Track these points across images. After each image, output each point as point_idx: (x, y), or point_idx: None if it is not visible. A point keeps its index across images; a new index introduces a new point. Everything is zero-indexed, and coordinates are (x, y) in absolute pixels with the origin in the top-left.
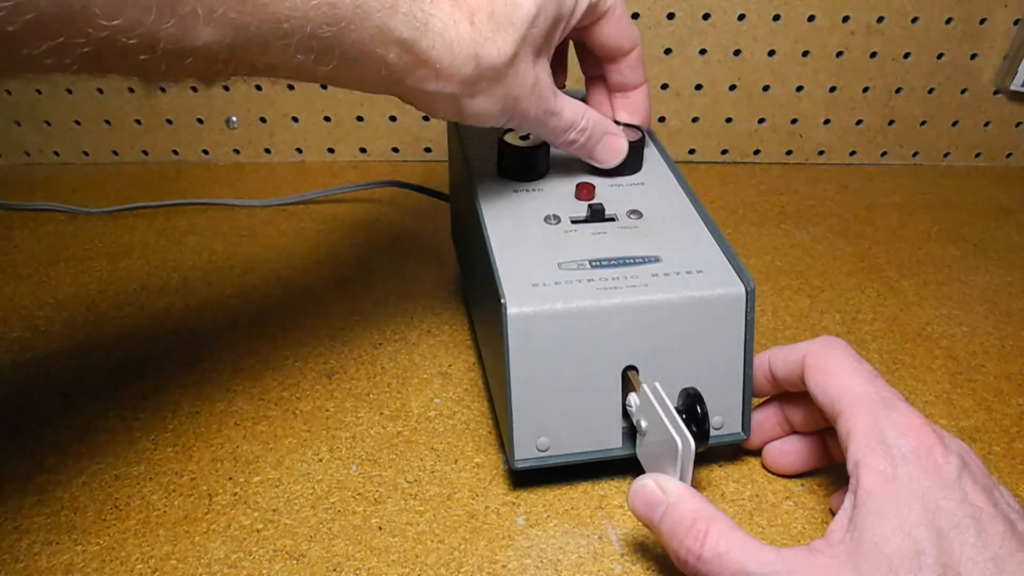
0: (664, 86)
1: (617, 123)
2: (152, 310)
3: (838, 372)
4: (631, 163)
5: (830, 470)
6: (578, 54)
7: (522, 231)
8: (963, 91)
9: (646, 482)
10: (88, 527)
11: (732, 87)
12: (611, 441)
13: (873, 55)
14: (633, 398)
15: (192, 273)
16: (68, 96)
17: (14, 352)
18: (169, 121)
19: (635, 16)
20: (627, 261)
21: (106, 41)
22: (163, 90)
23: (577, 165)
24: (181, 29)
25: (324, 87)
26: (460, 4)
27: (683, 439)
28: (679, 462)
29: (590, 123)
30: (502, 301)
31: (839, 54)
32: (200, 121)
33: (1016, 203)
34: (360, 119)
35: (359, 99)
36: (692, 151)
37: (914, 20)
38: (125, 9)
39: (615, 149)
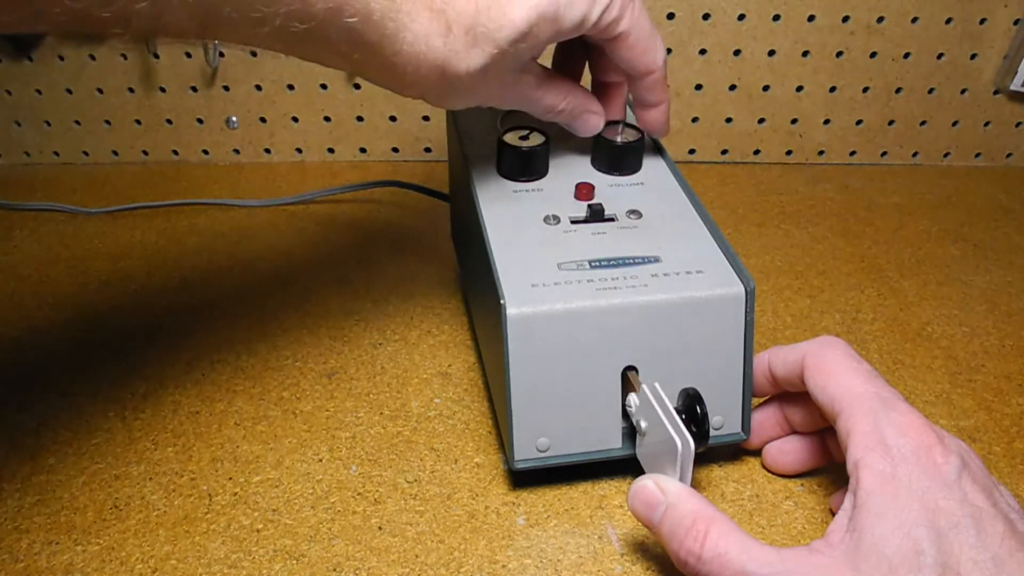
0: None
1: (623, 123)
2: (152, 310)
3: (838, 372)
4: (631, 163)
5: (830, 470)
6: (590, 61)
7: (522, 231)
8: (963, 91)
9: (646, 483)
10: (88, 527)
11: (732, 87)
12: (611, 441)
13: (873, 55)
14: (633, 398)
15: (192, 273)
16: (68, 96)
17: (14, 352)
18: (169, 121)
19: None
20: (627, 261)
21: (81, 12)
22: (163, 90)
23: (577, 165)
24: (153, 7)
25: (324, 87)
26: (439, 16)
27: (683, 439)
28: (679, 462)
29: (569, 105)
30: (502, 301)
31: (839, 54)
32: (200, 121)
33: (1016, 203)
34: (360, 119)
35: (359, 99)
36: (692, 151)
37: (914, 20)
38: None
39: (590, 125)
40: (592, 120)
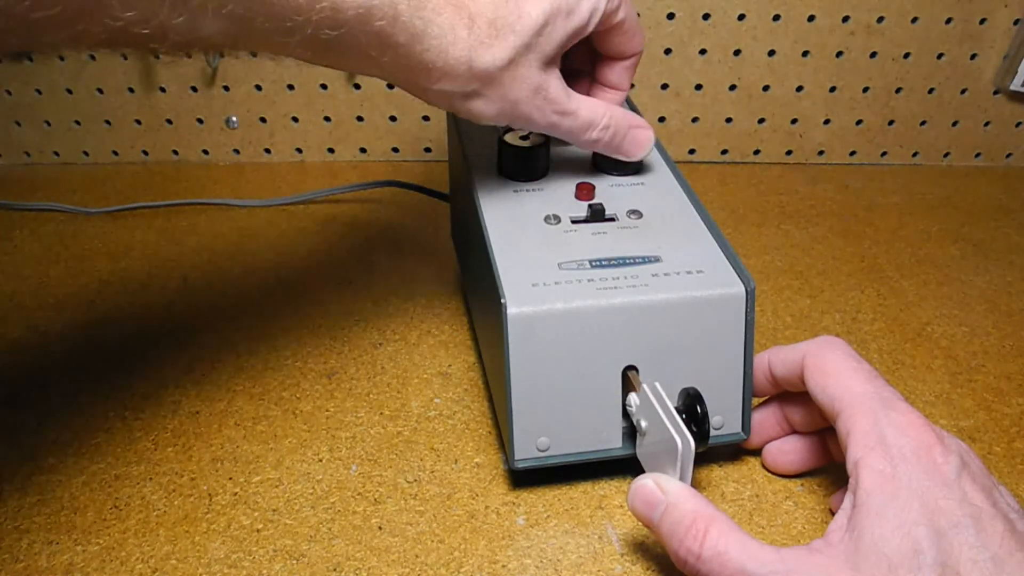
0: (664, 86)
1: None
2: (152, 310)
3: (838, 372)
4: (631, 163)
5: (830, 470)
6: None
7: (522, 231)
8: (963, 91)
9: (646, 482)
10: (88, 527)
11: (732, 87)
12: (611, 441)
13: (873, 55)
14: (633, 398)
15: (192, 273)
16: (68, 96)
17: (14, 352)
18: (169, 121)
19: None
20: (627, 261)
21: (120, 30)
22: (163, 90)
23: (577, 165)
24: (190, 21)
25: (324, 87)
26: (461, 9)
27: (683, 439)
28: (679, 462)
29: (613, 120)
30: (502, 301)
31: (839, 54)
32: (200, 121)
33: (1016, 203)
34: (360, 119)
35: (359, 99)
36: (692, 151)
37: (914, 20)
38: (140, 3)
39: (642, 142)
40: (641, 135)
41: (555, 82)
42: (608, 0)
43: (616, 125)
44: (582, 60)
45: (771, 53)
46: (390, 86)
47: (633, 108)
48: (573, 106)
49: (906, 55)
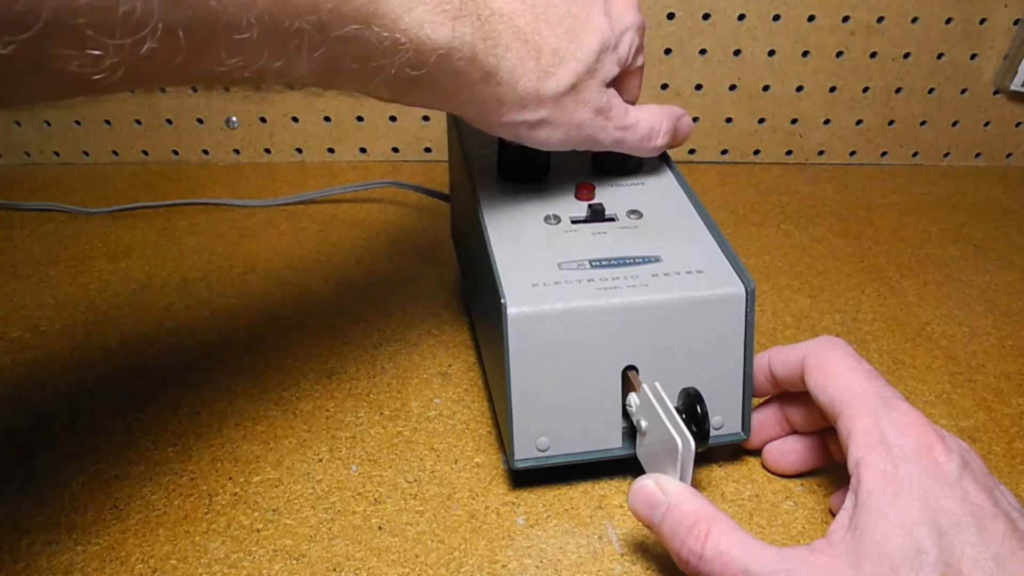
0: (664, 86)
1: None
2: (152, 310)
3: (838, 372)
4: (631, 163)
5: (830, 470)
6: None
7: (522, 231)
8: (963, 91)
9: (646, 482)
10: (88, 527)
11: (732, 87)
12: (611, 441)
13: (873, 55)
14: (633, 398)
15: (192, 273)
16: None
17: (14, 352)
18: (169, 121)
19: None
20: (627, 261)
21: (223, 74)
22: (163, 90)
23: (577, 165)
24: (287, 65)
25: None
26: (528, 43)
27: (683, 439)
28: (679, 462)
29: (669, 122)
30: (502, 301)
31: (839, 54)
32: (200, 121)
33: (1016, 203)
34: (360, 119)
35: (359, 99)
36: (692, 151)
37: (914, 20)
38: (245, 49)
39: (689, 127)
40: (686, 122)
41: (615, 101)
42: (640, 37)
43: (670, 126)
44: None
45: (771, 53)
46: None
47: None
48: (632, 119)
49: (906, 55)
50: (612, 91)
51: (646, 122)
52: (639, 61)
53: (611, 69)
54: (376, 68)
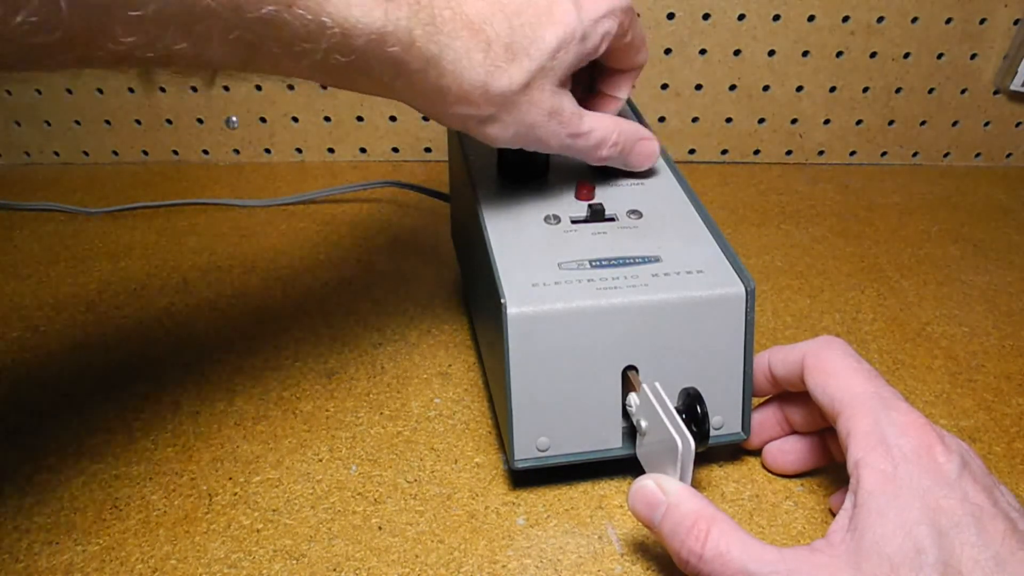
0: (664, 86)
1: None
2: (152, 310)
3: (838, 372)
4: None
5: (830, 470)
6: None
7: (522, 231)
8: (963, 91)
9: (646, 483)
10: (88, 527)
11: (732, 87)
12: (611, 441)
13: (873, 55)
14: (633, 398)
15: (192, 273)
16: (68, 96)
17: (14, 352)
18: (169, 121)
19: None
20: (627, 261)
21: (124, 54)
22: (163, 90)
23: (577, 165)
24: (196, 47)
25: (324, 87)
26: (478, 34)
27: (683, 439)
28: (679, 462)
29: (622, 136)
30: (502, 301)
31: (839, 54)
32: (200, 121)
33: (1016, 203)
34: (360, 119)
35: (359, 99)
36: (692, 151)
37: (914, 20)
38: (143, 28)
39: (649, 154)
40: (648, 147)
41: (568, 104)
42: (620, 24)
43: (625, 140)
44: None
45: (771, 53)
46: None
47: (634, 109)
48: (586, 127)
49: (906, 55)
50: (566, 93)
51: (599, 133)
52: (640, 58)
53: (571, 64)
54: (300, 53)
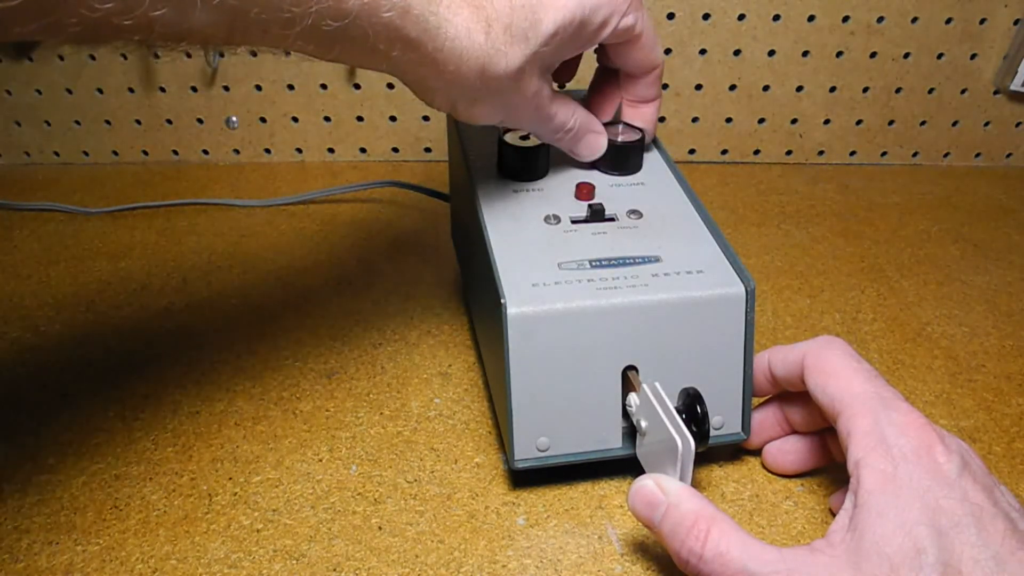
0: (664, 86)
1: (622, 123)
2: (152, 310)
3: (838, 372)
4: (631, 163)
5: (830, 470)
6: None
7: (522, 231)
8: (963, 91)
9: (646, 482)
10: (88, 527)
11: (732, 87)
12: (611, 441)
13: (873, 55)
14: (633, 398)
15: (192, 273)
16: (68, 96)
17: (14, 352)
18: (169, 121)
19: None
20: (627, 261)
21: (99, 21)
22: (163, 90)
23: (577, 165)
24: (177, 12)
25: (324, 87)
26: (479, 11)
27: (683, 439)
28: (679, 462)
29: (577, 123)
30: (502, 301)
31: (839, 54)
32: (200, 121)
33: (1016, 203)
34: (360, 119)
35: (359, 99)
36: (692, 151)
37: (914, 20)
38: None
39: (594, 147)
40: (597, 141)
41: (547, 88)
42: (623, 16)
43: (578, 128)
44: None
45: (771, 53)
46: (390, 85)
47: None
48: (554, 110)
49: (906, 55)
50: (548, 78)
51: (561, 118)
52: (653, 56)
53: (565, 51)
54: (289, 19)
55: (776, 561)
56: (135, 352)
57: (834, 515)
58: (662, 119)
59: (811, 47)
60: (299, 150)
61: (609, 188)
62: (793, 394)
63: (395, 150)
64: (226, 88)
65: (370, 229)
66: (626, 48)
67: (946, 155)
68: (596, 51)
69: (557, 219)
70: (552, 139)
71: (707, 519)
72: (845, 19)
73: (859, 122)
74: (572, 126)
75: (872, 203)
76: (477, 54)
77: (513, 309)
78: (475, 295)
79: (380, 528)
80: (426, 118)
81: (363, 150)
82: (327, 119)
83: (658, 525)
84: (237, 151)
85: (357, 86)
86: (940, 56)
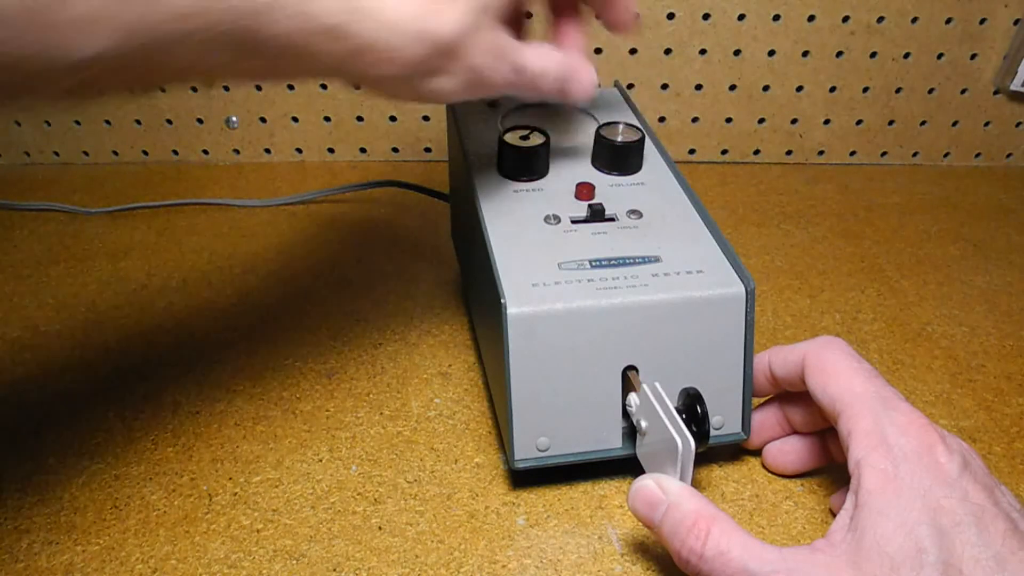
0: (664, 86)
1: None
2: (152, 310)
3: (838, 372)
4: (631, 163)
5: (830, 470)
6: None
7: (522, 231)
8: (963, 91)
9: (646, 482)
10: (88, 527)
11: (732, 87)
12: (611, 441)
13: (873, 55)
14: (633, 398)
15: (192, 273)
16: None
17: (14, 352)
18: (169, 121)
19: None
20: (627, 261)
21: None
22: (163, 90)
23: (577, 165)
24: (59, 40)
25: (324, 87)
26: None
27: (683, 439)
28: (679, 462)
29: (555, 64)
30: (502, 301)
31: (839, 54)
32: (200, 121)
33: (1016, 203)
34: (360, 119)
35: (359, 99)
36: (692, 151)
37: (914, 20)
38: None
39: (585, 81)
40: (585, 74)
41: (506, 37)
42: None
43: (559, 68)
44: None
45: (771, 53)
46: None
47: (632, 107)
48: (522, 60)
49: (906, 55)
50: (505, 27)
51: (539, 63)
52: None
53: None
54: (192, 29)
55: (776, 561)
56: (135, 352)
57: (834, 515)
58: (662, 119)
59: (811, 47)
60: (299, 150)
61: (609, 188)
62: (793, 394)
63: (395, 150)
64: (226, 88)
65: (370, 229)
66: None
67: (946, 155)
68: None
69: (557, 219)
70: (536, 93)
71: (707, 519)
72: (845, 19)
73: (859, 122)
74: (551, 69)
75: (872, 203)
76: (413, 20)
77: (513, 309)
78: (475, 295)
79: (380, 528)
80: (426, 118)
81: (363, 150)
82: (327, 119)
83: (658, 525)
84: (237, 151)
85: (357, 86)
86: (940, 56)
